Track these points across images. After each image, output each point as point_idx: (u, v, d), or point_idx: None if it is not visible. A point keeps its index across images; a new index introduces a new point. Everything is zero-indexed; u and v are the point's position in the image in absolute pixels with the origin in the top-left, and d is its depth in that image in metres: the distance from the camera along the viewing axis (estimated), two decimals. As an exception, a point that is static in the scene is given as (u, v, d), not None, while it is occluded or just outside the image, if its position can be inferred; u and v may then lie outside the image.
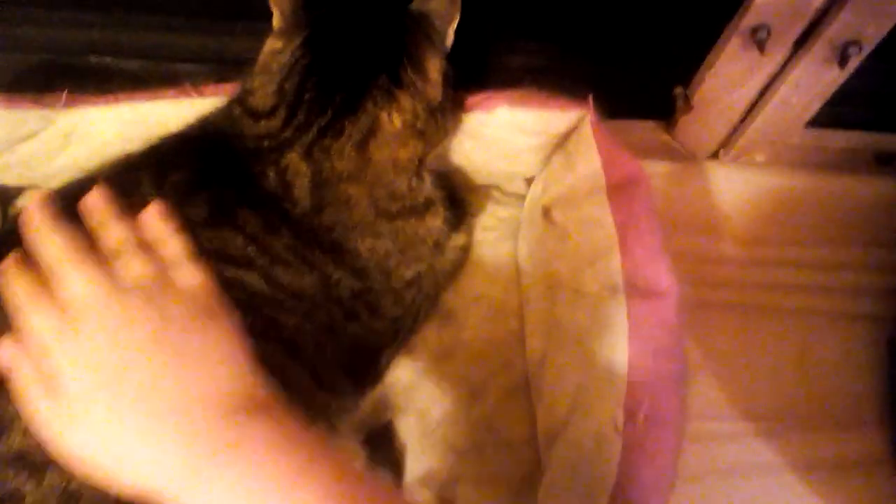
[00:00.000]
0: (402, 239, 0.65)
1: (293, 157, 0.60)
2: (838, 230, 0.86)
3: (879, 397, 0.78)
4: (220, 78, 0.72)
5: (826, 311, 0.82)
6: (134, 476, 0.44)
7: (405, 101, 0.61)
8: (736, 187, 0.87)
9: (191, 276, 0.51)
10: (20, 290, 0.48)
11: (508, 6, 0.71)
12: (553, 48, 0.77)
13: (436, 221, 0.69)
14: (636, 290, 0.64)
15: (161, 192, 0.59)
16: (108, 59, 0.77)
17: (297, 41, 0.61)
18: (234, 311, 0.51)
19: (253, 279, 0.58)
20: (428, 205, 0.68)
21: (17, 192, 0.78)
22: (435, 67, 0.64)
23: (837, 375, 0.80)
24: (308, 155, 0.60)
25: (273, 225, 0.60)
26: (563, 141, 0.71)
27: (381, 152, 0.62)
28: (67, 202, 0.61)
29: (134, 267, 0.49)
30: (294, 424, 0.47)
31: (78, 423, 0.45)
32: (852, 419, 0.78)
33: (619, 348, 0.62)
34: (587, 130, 0.67)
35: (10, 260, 0.50)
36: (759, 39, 0.67)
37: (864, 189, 0.87)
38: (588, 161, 0.67)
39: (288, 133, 0.60)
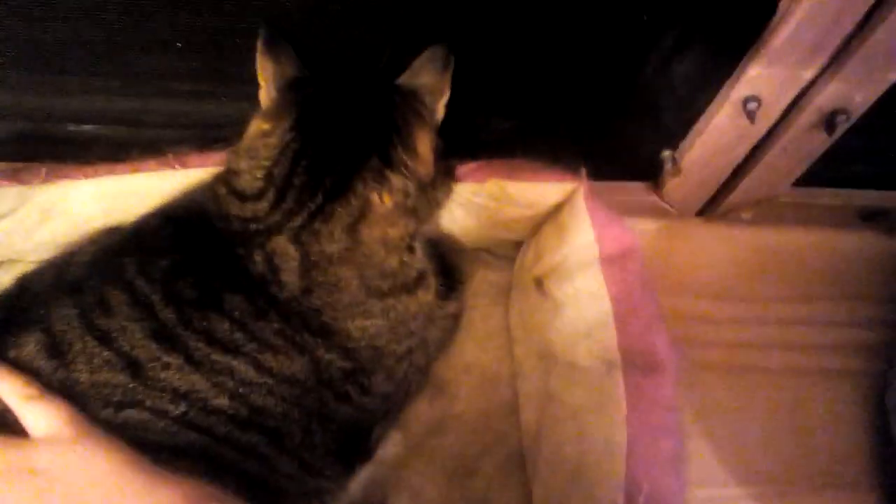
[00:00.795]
0: (393, 316, 0.64)
1: (281, 241, 0.59)
2: (824, 286, 0.86)
3: (871, 454, 0.79)
4: (204, 144, 0.70)
5: (816, 368, 0.82)
6: None
7: (396, 181, 0.60)
8: (722, 245, 0.87)
9: (45, 416, 0.50)
10: None
11: (495, 71, 0.70)
12: (541, 112, 0.76)
13: (427, 296, 0.67)
14: (633, 366, 0.63)
15: (147, 278, 0.57)
16: (86, 127, 0.75)
17: (286, 124, 0.60)
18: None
19: (241, 366, 0.56)
20: (420, 279, 0.66)
21: (-9, 265, 0.75)
22: (425, 144, 0.62)
23: (829, 433, 0.79)
24: (296, 239, 0.59)
25: (261, 309, 0.58)
26: (555, 211, 0.70)
27: (372, 233, 0.60)
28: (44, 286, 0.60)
29: None
30: None
31: None
32: (846, 478, 0.78)
33: (617, 427, 0.61)
34: (580, 202, 0.67)
35: None
36: (749, 110, 0.67)
37: (849, 245, 0.88)
38: (581, 233, 0.67)
39: (277, 217, 0.59)
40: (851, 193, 0.87)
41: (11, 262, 0.74)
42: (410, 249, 0.65)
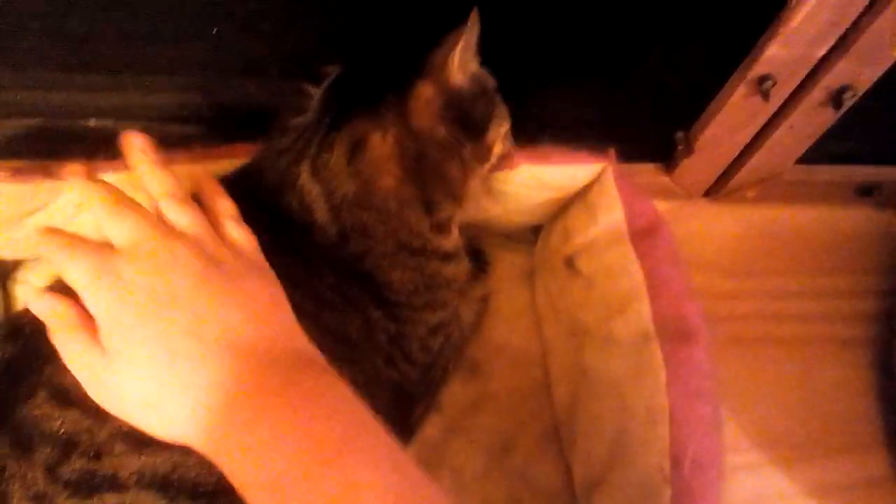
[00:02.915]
0: (428, 273, 0.65)
1: (304, 175, 0.60)
2: (827, 260, 0.90)
3: (880, 417, 0.82)
4: (231, 137, 0.70)
5: (823, 337, 0.86)
6: (179, 427, 0.42)
7: (393, 126, 0.60)
8: (729, 224, 0.90)
9: (238, 231, 0.50)
10: (57, 241, 0.46)
11: (511, 53, 0.72)
12: (557, 97, 0.78)
13: (458, 270, 0.69)
14: (669, 335, 0.65)
15: None
16: (109, 122, 0.75)
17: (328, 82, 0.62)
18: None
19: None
20: (452, 255, 0.68)
21: (15, 265, 0.74)
22: (422, 100, 0.62)
23: (839, 400, 0.83)
24: (314, 171, 0.60)
25: (314, 265, 0.59)
26: (582, 192, 0.72)
27: (375, 176, 0.61)
28: None
29: (179, 210, 0.48)
30: (343, 387, 0.44)
31: (119, 375, 0.43)
32: (857, 442, 0.81)
33: (658, 395, 0.63)
34: (609, 181, 0.69)
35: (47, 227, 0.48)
36: (764, 89, 0.70)
37: (848, 220, 0.92)
38: (611, 211, 0.69)
39: (299, 145, 0.60)
40: (849, 170, 0.91)
41: (37, 259, 0.73)
42: (447, 228, 0.66)
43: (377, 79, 0.62)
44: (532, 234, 0.83)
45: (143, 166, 0.51)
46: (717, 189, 0.89)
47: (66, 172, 0.52)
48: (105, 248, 0.45)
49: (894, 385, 0.83)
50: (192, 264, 0.45)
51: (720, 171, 0.85)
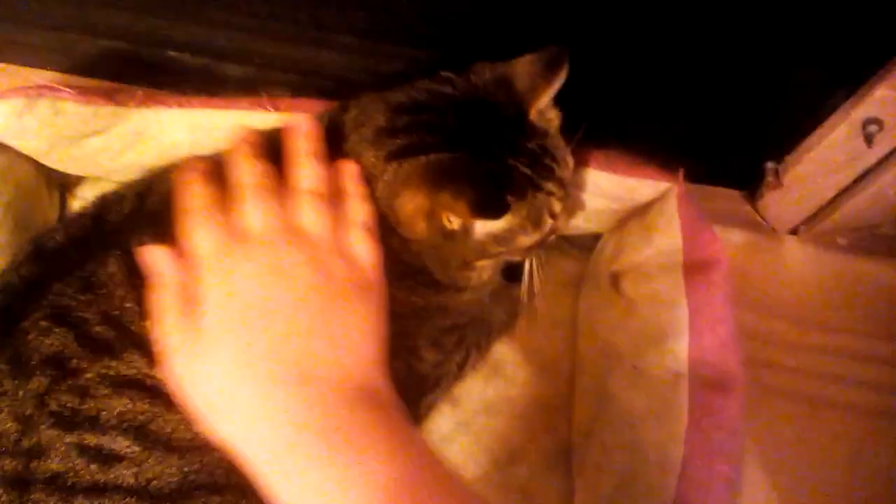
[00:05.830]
0: (435, 305, 0.63)
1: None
2: (912, 327, 0.82)
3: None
4: (297, 91, 0.69)
5: (886, 411, 0.78)
6: (234, 430, 0.43)
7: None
8: (811, 267, 0.83)
9: (365, 246, 0.50)
10: (196, 203, 0.48)
11: (602, 59, 0.67)
12: (642, 104, 0.73)
13: (474, 297, 0.66)
14: (701, 381, 0.60)
15: None
16: (186, 56, 0.75)
17: None
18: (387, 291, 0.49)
19: None
20: (468, 288, 0.64)
21: (78, 180, 0.76)
22: None
23: (890, 483, 0.76)
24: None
25: None
26: (643, 208, 0.68)
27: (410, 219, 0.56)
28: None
29: (315, 212, 0.48)
30: (408, 429, 0.45)
31: (201, 358, 0.44)
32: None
33: (674, 442, 0.59)
34: (672, 204, 0.64)
35: (196, 172, 0.50)
36: (868, 133, 0.63)
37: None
38: (668, 236, 0.64)
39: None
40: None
41: (97, 179, 0.75)
42: (468, 267, 0.63)
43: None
44: (593, 241, 0.79)
45: (301, 153, 0.52)
46: (804, 228, 0.82)
47: (240, 140, 0.52)
48: (237, 230, 0.47)
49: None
50: (303, 275, 0.46)
51: (811, 210, 0.79)
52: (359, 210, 0.51)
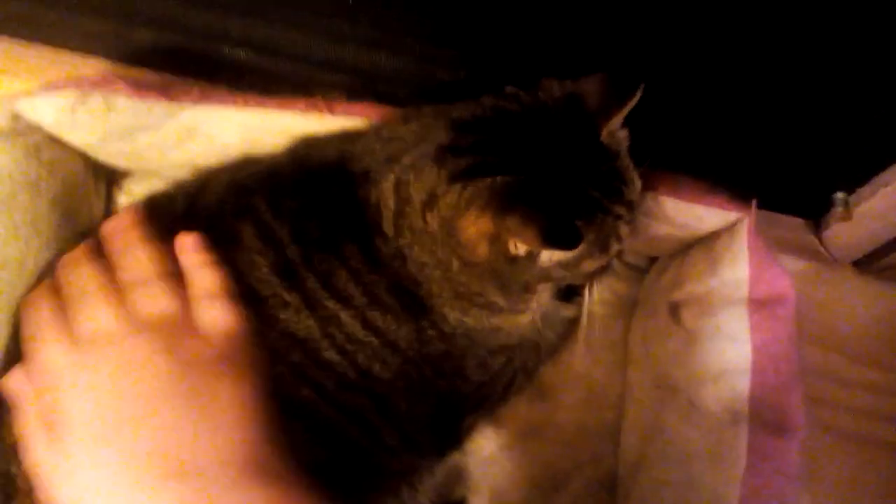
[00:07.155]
0: (490, 326, 0.60)
1: (387, 185, 0.55)
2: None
3: None
4: (354, 93, 0.67)
5: (946, 457, 0.75)
6: None
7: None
8: (874, 302, 0.79)
9: (219, 316, 0.48)
10: (42, 316, 0.47)
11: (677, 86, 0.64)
12: (714, 129, 0.70)
13: (519, 319, 0.63)
14: (761, 423, 0.58)
15: (277, 214, 0.56)
16: (241, 53, 0.73)
17: None
18: (261, 360, 0.47)
19: (348, 318, 0.54)
20: (524, 311, 0.62)
21: (125, 173, 0.75)
22: None
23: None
24: (397, 187, 0.55)
25: (373, 262, 0.56)
26: (709, 237, 0.65)
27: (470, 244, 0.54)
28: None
29: (159, 301, 0.47)
30: (302, 497, 0.43)
31: (82, 477, 0.42)
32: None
33: (731, 486, 0.57)
34: (742, 235, 0.61)
35: (42, 287, 0.49)
36: (950, 171, 0.60)
37: None
38: (735, 268, 0.61)
39: (395, 153, 0.56)
40: None
41: (146, 173, 0.74)
42: (519, 293, 0.60)
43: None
44: (648, 263, 0.76)
45: (122, 246, 0.50)
46: (869, 262, 0.78)
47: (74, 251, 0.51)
48: (84, 336, 0.45)
49: None
50: (158, 364, 0.44)
51: (877, 244, 0.75)
52: (204, 279, 0.49)
